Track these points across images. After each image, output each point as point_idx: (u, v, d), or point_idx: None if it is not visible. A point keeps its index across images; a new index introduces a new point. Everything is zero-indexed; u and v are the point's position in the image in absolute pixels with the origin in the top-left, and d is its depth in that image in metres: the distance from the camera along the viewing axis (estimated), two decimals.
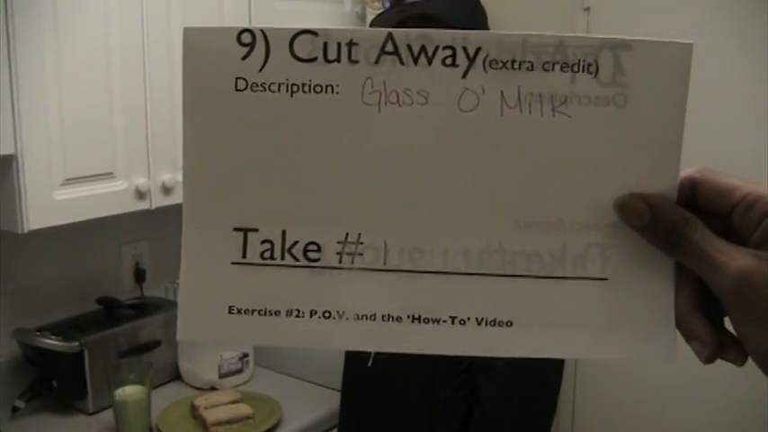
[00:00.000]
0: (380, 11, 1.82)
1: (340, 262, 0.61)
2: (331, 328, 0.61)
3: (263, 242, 0.61)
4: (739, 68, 2.62)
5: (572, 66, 0.60)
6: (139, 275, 2.62)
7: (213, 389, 2.37)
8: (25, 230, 1.93)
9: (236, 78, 0.60)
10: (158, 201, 2.20)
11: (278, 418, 2.20)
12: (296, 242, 0.61)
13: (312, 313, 0.61)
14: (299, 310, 0.61)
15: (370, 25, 1.86)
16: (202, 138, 0.61)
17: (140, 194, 2.14)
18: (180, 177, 2.18)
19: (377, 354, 1.87)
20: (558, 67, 0.60)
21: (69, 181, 1.99)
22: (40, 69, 1.89)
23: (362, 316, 0.61)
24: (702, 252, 0.55)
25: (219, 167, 0.61)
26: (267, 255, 0.61)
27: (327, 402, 2.20)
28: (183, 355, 2.46)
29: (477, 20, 1.81)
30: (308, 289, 0.61)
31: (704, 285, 0.56)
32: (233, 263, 0.61)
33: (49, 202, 1.96)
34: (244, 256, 0.61)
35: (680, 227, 0.56)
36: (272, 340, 0.63)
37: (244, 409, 2.20)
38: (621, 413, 2.99)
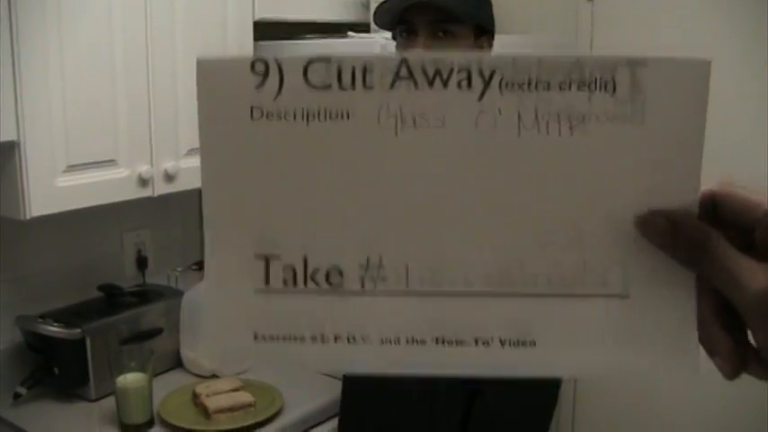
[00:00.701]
0: None
1: (363, 286, 0.61)
2: (356, 353, 0.61)
3: (286, 268, 0.61)
4: (739, 65, 2.62)
5: (589, 84, 0.60)
6: (141, 263, 2.62)
7: (215, 376, 2.37)
8: (27, 217, 1.93)
9: (251, 108, 0.60)
10: (161, 188, 2.19)
11: (279, 406, 2.21)
12: (317, 268, 0.61)
13: (336, 338, 0.61)
14: (323, 336, 0.61)
15: (374, 13, 1.84)
16: (221, 167, 0.62)
17: (143, 182, 2.14)
18: (182, 165, 2.19)
19: None
20: (574, 85, 0.60)
21: (72, 168, 1.99)
22: (42, 56, 1.88)
23: (387, 340, 0.61)
24: (724, 267, 0.55)
25: (239, 196, 0.62)
26: (290, 281, 0.61)
27: (328, 391, 2.20)
28: (184, 343, 2.46)
29: (483, 8, 1.80)
30: (331, 314, 0.61)
31: (725, 300, 0.56)
32: (256, 290, 0.61)
33: (52, 188, 1.96)
34: (266, 282, 0.61)
35: (701, 241, 0.56)
36: (298, 366, 0.66)
37: (245, 396, 2.21)
38: (622, 406, 2.99)
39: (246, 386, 2.28)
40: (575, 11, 2.95)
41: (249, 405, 2.19)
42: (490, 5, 1.82)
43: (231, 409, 2.16)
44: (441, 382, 1.77)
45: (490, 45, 1.78)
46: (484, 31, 1.77)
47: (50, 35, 1.90)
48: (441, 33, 1.74)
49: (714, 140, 2.38)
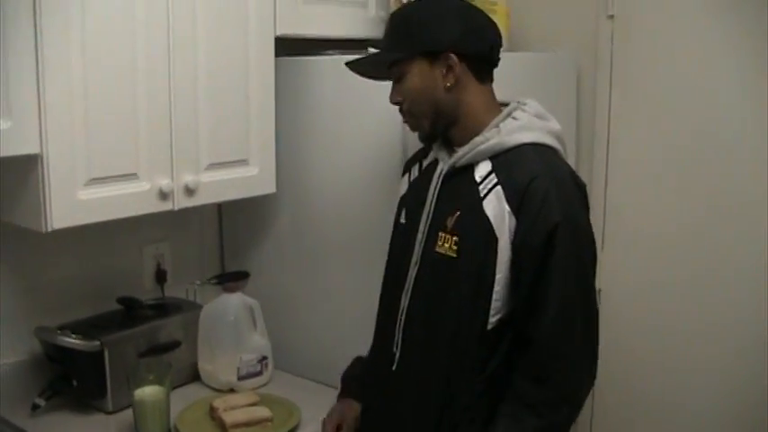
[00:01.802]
0: None
1: None
2: None
3: None
4: (749, 76, 2.63)
5: None
6: (160, 276, 2.63)
7: (232, 391, 2.37)
8: (49, 229, 1.94)
9: None
10: (181, 202, 2.20)
11: (296, 421, 2.21)
12: None
13: None
14: None
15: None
16: None
17: (163, 195, 2.15)
18: (202, 179, 2.22)
19: (401, 356, 1.87)
20: None
21: (93, 181, 2.01)
22: (66, 70, 1.90)
23: None
24: None
25: None
26: None
27: None
28: (202, 357, 2.47)
29: (420, 35, 1.82)
30: None
31: None
32: None
33: (73, 201, 1.97)
34: None
35: None
36: None
37: (262, 411, 2.21)
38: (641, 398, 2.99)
39: (264, 401, 2.28)
40: (594, 27, 2.96)
41: (266, 420, 2.19)
42: (435, 25, 1.81)
43: (248, 424, 2.16)
44: (460, 395, 1.79)
45: (458, 61, 1.78)
46: (440, 51, 1.79)
47: (74, 51, 1.91)
48: (396, 76, 1.85)
49: (715, 140, 2.35)
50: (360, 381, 2.11)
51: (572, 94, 2.99)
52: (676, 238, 2.85)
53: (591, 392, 3.01)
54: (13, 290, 2.30)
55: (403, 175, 2.03)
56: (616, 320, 3.04)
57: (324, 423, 2.08)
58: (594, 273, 1.78)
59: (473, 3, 2.67)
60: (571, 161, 2.97)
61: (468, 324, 1.75)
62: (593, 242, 1.78)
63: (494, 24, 1.88)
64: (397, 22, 1.88)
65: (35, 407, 2.19)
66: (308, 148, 2.48)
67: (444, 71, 1.78)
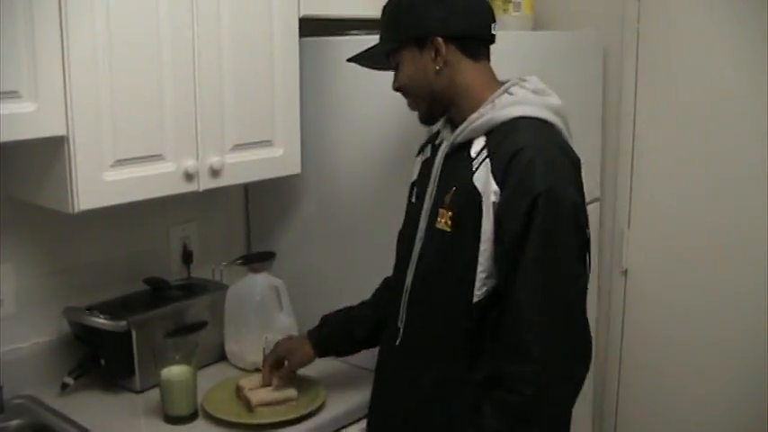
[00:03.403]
0: None
1: None
2: None
3: None
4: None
5: None
6: (187, 257, 2.65)
7: (258, 370, 2.38)
8: (76, 211, 1.96)
9: None
10: (206, 183, 2.21)
11: (322, 401, 2.21)
12: None
13: None
14: None
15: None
16: None
17: (189, 176, 2.16)
18: (228, 160, 2.23)
19: (404, 332, 1.88)
20: None
21: (119, 162, 2.02)
22: (91, 52, 1.91)
23: None
24: None
25: None
26: None
27: (371, 386, 2.20)
28: (228, 337, 2.48)
29: (407, 21, 1.84)
30: None
31: None
32: None
33: (100, 183, 1.99)
34: None
35: None
36: None
37: (288, 391, 2.22)
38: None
39: (289, 380, 2.29)
40: (621, 7, 2.94)
41: (292, 399, 2.20)
42: (419, 11, 1.82)
43: (273, 403, 2.17)
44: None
45: (443, 43, 1.79)
46: (425, 37, 1.80)
47: (99, 33, 1.92)
48: (394, 65, 1.90)
49: (715, 140, 2.34)
50: (330, 330, 2.21)
51: (598, 74, 2.97)
52: (703, 218, 2.83)
53: (617, 371, 3.05)
54: (42, 271, 2.32)
55: (417, 155, 2.04)
56: (641, 300, 3.04)
57: (265, 356, 2.23)
58: (583, 249, 1.72)
59: None
60: (596, 140, 2.99)
61: (457, 297, 1.74)
62: (579, 218, 1.70)
63: (482, 1, 1.86)
64: (387, 13, 1.90)
65: (64, 386, 2.22)
66: (333, 129, 2.48)
67: (433, 55, 1.80)
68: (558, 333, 1.65)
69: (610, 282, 3.10)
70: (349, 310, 2.21)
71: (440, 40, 1.78)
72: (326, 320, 2.22)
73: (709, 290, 2.84)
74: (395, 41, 1.86)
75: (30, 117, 1.83)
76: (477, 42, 1.85)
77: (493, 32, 1.85)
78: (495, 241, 1.68)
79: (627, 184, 3.01)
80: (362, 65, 2.03)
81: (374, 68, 2.03)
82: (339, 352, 2.27)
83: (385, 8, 1.91)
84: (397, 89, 1.92)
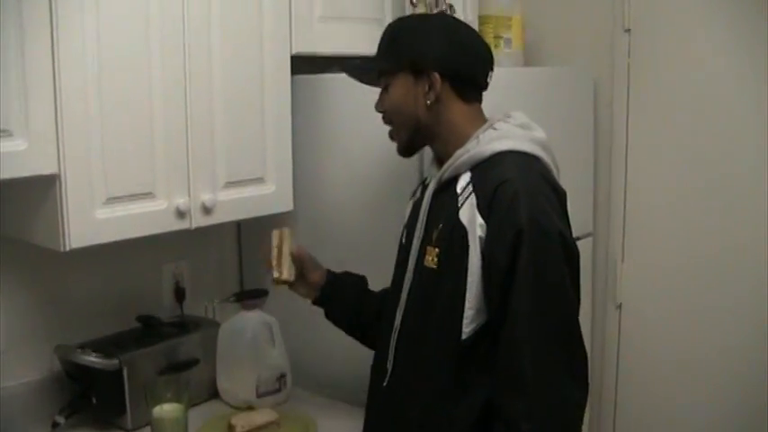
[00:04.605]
0: None
1: None
2: None
3: None
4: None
5: None
6: (179, 294, 2.64)
7: (250, 408, 2.37)
8: (67, 249, 1.95)
9: None
10: (198, 221, 2.21)
11: None
12: None
13: None
14: None
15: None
16: None
17: (180, 214, 2.16)
18: (220, 197, 2.22)
19: (392, 372, 1.87)
20: None
21: (111, 200, 2.02)
22: (82, 90, 1.92)
23: None
24: None
25: None
26: None
27: (362, 424, 2.19)
28: (220, 374, 2.47)
29: (406, 50, 1.84)
30: None
31: None
32: None
33: (91, 221, 1.98)
34: None
35: None
36: None
37: (280, 429, 2.21)
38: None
39: (282, 418, 2.28)
40: (611, 41, 2.96)
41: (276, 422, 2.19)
42: (423, 41, 1.83)
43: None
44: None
45: (440, 78, 1.80)
46: (424, 68, 1.81)
47: (90, 71, 1.93)
48: (383, 86, 1.89)
49: (715, 140, 2.34)
50: (348, 281, 2.18)
51: (589, 108, 2.99)
52: (696, 251, 2.84)
53: (612, 406, 3.04)
54: (33, 308, 2.32)
55: (411, 198, 2.04)
56: (636, 334, 3.03)
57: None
58: (572, 281, 1.71)
59: (491, 18, 2.71)
60: (589, 175, 3.00)
61: (446, 335, 1.73)
62: (566, 247, 1.69)
63: (484, 47, 1.88)
64: (389, 34, 1.90)
65: (55, 425, 2.20)
66: (325, 166, 2.48)
67: (426, 88, 1.80)
68: (552, 361, 1.65)
69: (604, 316, 3.09)
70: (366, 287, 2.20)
71: (437, 75, 1.79)
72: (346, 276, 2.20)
73: (705, 324, 2.84)
74: (392, 63, 1.86)
75: (21, 155, 1.83)
76: (472, 86, 1.86)
77: (488, 80, 1.86)
78: (483, 276, 1.68)
79: (620, 217, 3.02)
80: (352, 75, 2.03)
81: (362, 82, 2.03)
82: (341, 302, 2.17)
83: (388, 28, 1.92)
84: (380, 111, 1.92)
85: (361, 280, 2.19)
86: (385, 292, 2.06)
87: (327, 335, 2.27)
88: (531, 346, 1.63)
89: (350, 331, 2.18)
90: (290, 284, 2.10)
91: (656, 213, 2.93)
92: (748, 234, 2.70)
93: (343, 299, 2.15)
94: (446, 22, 1.88)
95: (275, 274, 2.07)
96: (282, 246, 2.09)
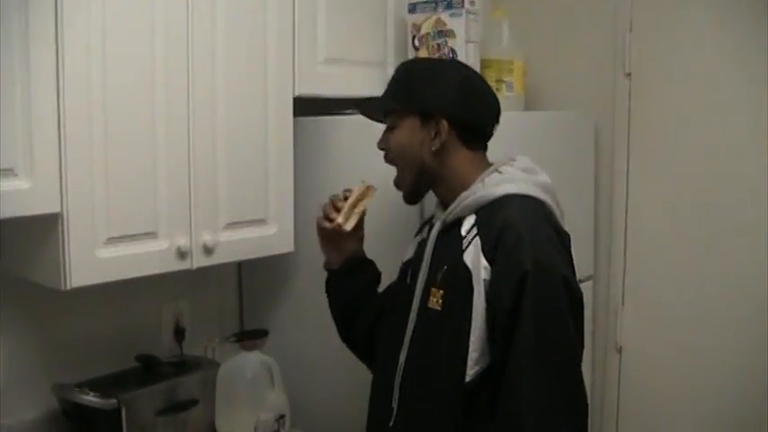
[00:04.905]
0: None
1: None
2: None
3: None
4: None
5: None
6: (179, 334, 2.63)
7: None
8: (68, 288, 1.96)
9: None
10: (200, 261, 2.22)
11: None
12: None
13: None
14: None
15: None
16: None
17: (182, 254, 2.17)
18: (221, 238, 2.22)
19: (398, 412, 1.86)
20: None
21: (112, 240, 2.02)
22: (86, 130, 1.93)
23: None
24: None
25: None
26: None
27: None
28: (219, 415, 2.45)
29: (418, 95, 1.86)
30: None
31: None
32: None
33: (93, 260, 1.99)
34: None
35: None
36: None
37: None
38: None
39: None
40: (612, 85, 2.98)
41: None
42: (435, 88, 1.85)
43: None
44: None
45: (448, 127, 1.82)
46: (433, 114, 1.83)
47: (95, 111, 1.95)
48: (388, 125, 1.92)
49: (714, 140, 2.34)
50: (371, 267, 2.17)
51: (590, 152, 3.00)
52: (697, 294, 2.83)
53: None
54: (32, 346, 2.31)
55: (415, 235, 2.05)
56: (637, 378, 3.02)
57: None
58: (576, 325, 1.71)
59: (493, 62, 2.73)
60: (589, 218, 3.00)
61: (450, 377, 1.73)
62: (570, 293, 1.70)
63: (495, 100, 1.91)
64: (401, 74, 1.93)
65: None
66: None
67: (433, 134, 1.82)
68: (553, 404, 1.65)
69: (604, 359, 3.08)
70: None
71: (445, 123, 1.81)
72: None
73: (706, 368, 2.82)
74: (402, 105, 1.88)
75: (25, 194, 1.84)
76: (479, 136, 1.88)
77: (494, 131, 1.88)
78: (487, 318, 1.68)
79: (620, 261, 3.02)
80: (358, 108, 2.06)
81: (366, 116, 2.06)
82: (357, 281, 2.17)
83: (400, 68, 1.95)
84: (382, 149, 1.93)
85: (379, 277, 2.18)
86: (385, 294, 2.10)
87: (327, 376, 2.27)
88: (532, 389, 1.63)
89: (342, 313, 2.17)
90: (339, 233, 2.07)
91: (657, 257, 2.93)
92: (749, 278, 2.69)
93: (359, 279, 2.15)
94: (461, 74, 1.90)
95: (339, 219, 2.02)
96: (361, 200, 2.05)
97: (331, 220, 2.05)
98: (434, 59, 2.50)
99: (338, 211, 2.05)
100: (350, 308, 2.15)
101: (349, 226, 2.02)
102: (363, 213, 2.06)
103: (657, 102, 2.89)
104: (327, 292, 2.19)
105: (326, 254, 2.15)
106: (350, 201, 2.02)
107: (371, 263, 2.17)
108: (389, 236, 2.26)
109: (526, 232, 1.67)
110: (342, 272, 2.14)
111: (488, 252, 1.70)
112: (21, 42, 1.80)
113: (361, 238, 2.14)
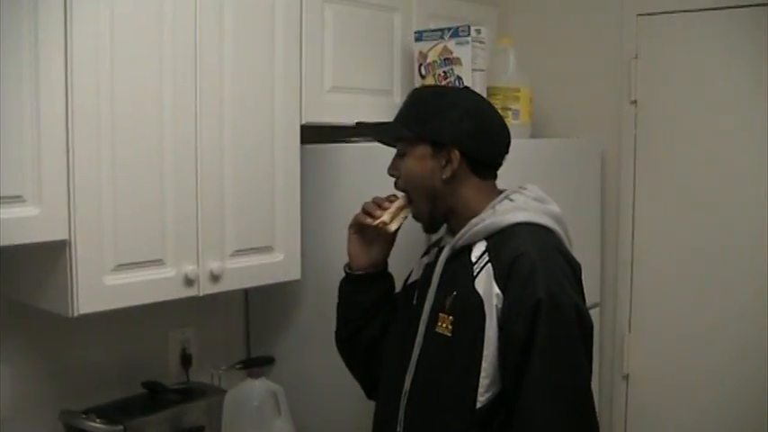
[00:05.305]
0: None
1: None
2: None
3: None
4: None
5: None
6: (185, 360, 2.63)
7: None
8: (75, 315, 1.96)
9: None
10: (206, 288, 2.22)
11: None
12: None
13: None
14: None
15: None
16: None
17: (189, 282, 2.17)
18: (228, 265, 2.22)
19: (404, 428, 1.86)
20: None
21: (120, 267, 2.03)
22: (95, 159, 1.95)
23: None
24: None
25: None
26: None
27: None
28: None
29: (431, 125, 1.86)
30: None
31: None
32: None
33: (100, 287, 1.99)
34: None
35: None
36: None
37: None
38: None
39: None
40: (618, 112, 2.99)
41: None
42: (448, 118, 1.85)
43: None
44: None
45: (459, 157, 1.83)
46: (445, 144, 1.83)
47: (104, 137, 1.96)
48: (399, 152, 1.92)
49: (714, 140, 2.34)
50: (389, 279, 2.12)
51: (596, 180, 3.00)
52: (703, 322, 2.83)
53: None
54: (39, 373, 2.31)
55: (422, 256, 2.05)
56: (644, 405, 3.01)
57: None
58: (586, 353, 1.73)
59: (499, 90, 2.74)
60: (596, 245, 3.00)
61: (460, 403, 1.73)
62: (581, 322, 1.71)
63: (505, 129, 1.92)
64: (414, 102, 1.93)
65: None
66: (333, 235, 2.49)
67: (444, 162, 1.83)
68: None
69: (611, 387, 3.07)
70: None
71: (457, 152, 1.82)
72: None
73: (713, 396, 2.81)
74: (414, 133, 1.87)
75: (33, 221, 1.85)
76: (490, 165, 1.88)
77: (503, 161, 1.89)
78: (499, 346, 1.69)
79: (627, 288, 3.02)
80: (370, 133, 2.08)
81: (377, 140, 2.07)
82: (377, 289, 2.12)
83: (414, 94, 1.96)
84: (392, 175, 1.94)
85: (393, 291, 2.14)
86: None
87: (334, 404, 2.27)
88: (545, 418, 1.64)
89: (348, 320, 2.13)
90: (377, 233, 2.03)
91: (663, 284, 2.93)
92: (756, 306, 2.69)
93: (377, 289, 2.10)
94: (474, 103, 1.91)
95: (385, 217, 1.97)
96: (404, 207, 2.00)
97: (373, 218, 2.01)
98: (447, 87, 2.51)
99: (393, 214, 2.00)
100: (360, 317, 2.12)
101: (393, 226, 1.99)
102: (405, 218, 2.02)
103: (663, 129, 2.90)
104: (340, 292, 2.15)
105: (354, 254, 2.09)
106: (398, 203, 1.99)
107: (391, 276, 2.14)
108: (394, 255, 2.26)
109: (539, 262, 1.69)
110: (362, 279, 2.10)
111: (501, 279, 1.70)
112: (30, 71, 1.81)
113: (390, 247, 2.09)
